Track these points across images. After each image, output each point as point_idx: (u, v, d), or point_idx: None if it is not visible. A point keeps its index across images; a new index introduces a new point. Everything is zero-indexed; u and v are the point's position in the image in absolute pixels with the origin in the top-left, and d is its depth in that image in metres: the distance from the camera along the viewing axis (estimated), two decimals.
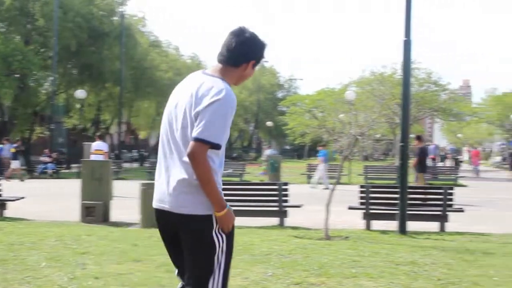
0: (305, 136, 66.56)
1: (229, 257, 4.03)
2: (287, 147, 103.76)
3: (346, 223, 14.28)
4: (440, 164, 60.75)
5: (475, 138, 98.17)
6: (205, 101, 3.87)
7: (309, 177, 32.37)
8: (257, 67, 4.33)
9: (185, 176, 3.93)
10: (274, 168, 30.20)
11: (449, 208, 13.41)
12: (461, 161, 59.74)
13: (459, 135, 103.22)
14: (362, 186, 14.22)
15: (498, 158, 68.28)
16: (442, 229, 13.29)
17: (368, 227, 13.42)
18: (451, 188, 13.79)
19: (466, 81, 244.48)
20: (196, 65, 68.59)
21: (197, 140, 3.80)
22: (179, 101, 4.09)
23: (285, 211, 14.01)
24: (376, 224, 13.49)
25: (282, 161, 33.99)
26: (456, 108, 57.64)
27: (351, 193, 21.54)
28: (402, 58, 13.12)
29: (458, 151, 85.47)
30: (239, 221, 13.98)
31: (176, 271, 4.24)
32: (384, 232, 12.84)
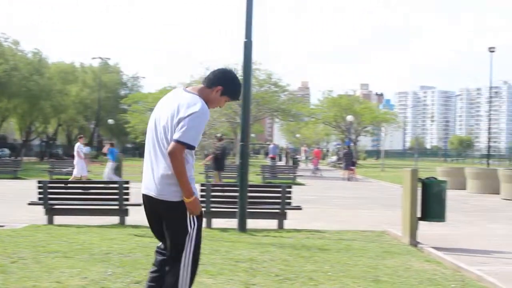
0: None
1: (199, 235, 5.23)
2: (129, 145, 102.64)
3: None
4: (280, 163, 62.30)
5: (312, 138, 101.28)
6: (185, 112, 5.02)
7: None
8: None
9: (168, 172, 5.07)
10: (115, 167, 29.78)
11: (287, 206, 13.73)
12: (299, 160, 61.37)
13: (298, 135, 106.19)
14: (203, 185, 14.34)
15: (334, 158, 70.81)
16: (280, 226, 13.64)
17: (207, 225, 13.55)
18: (290, 187, 14.15)
19: (305, 83, 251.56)
20: (37, 61, 66.37)
21: (177, 141, 4.96)
22: (163, 110, 5.25)
23: (126, 209, 13.90)
24: (216, 222, 13.65)
25: (123, 160, 33.61)
26: (294, 109, 59.24)
27: None
28: (243, 58, 13.35)
29: (296, 151, 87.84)
30: (78, 220, 13.72)
31: (160, 244, 5.47)
32: (224, 230, 13.01)
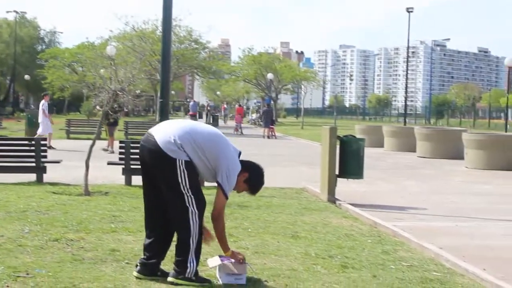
0: (65, 90, 65.00)
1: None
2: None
3: (106, 179, 14.23)
4: (201, 120, 62.15)
5: (233, 95, 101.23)
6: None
7: (69, 132, 31.72)
8: None
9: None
10: (32, 124, 29.16)
11: None
12: (218, 118, 61.38)
13: (218, 92, 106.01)
14: (121, 142, 14.18)
15: (254, 116, 71.04)
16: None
17: (128, 182, 13.45)
18: None
19: (225, 40, 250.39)
20: None
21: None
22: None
23: (44, 167, 13.66)
24: (136, 180, 13.53)
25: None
26: (215, 66, 59.07)
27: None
28: (162, 15, 13.16)
29: (216, 108, 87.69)
30: None
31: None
32: None
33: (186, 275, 5.83)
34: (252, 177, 6.17)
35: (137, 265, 6.14)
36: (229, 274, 6.01)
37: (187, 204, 5.84)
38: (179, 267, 5.86)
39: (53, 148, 22.96)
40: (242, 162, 6.12)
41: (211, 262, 6.28)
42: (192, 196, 5.85)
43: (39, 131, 24.73)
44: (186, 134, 5.85)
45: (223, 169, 5.88)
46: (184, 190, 5.82)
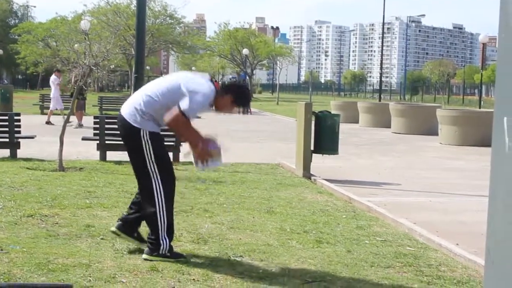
0: (38, 65, 64.43)
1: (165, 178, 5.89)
2: (19, 76, 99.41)
3: (80, 154, 14.16)
4: None
5: (208, 71, 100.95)
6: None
7: (43, 107, 31.47)
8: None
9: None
10: (5, 99, 28.89)
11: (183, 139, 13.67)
12: None
13: (193, 68, 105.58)
14: (96, 117, 14.10)
15: None
16: (175, 159, 13.58)
17: (102, 158, 13.40)
18: None
19: (201, 15, 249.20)
20: None
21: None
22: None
23: (18, 142, 13.53)
24: (111, 155, 13.50)
25: (13, 91, 32.59)
26: (190, 42, 58.79)
27: (86, 124, 21.36)
28: None
29: None
30: None
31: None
32: (118, 162, 12.87)
33: (160, 252, 5.85)
34: (237, 98, 6.07)
35: (118, 221, 6.24)
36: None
37: (153, 182, 5.86)
38: (153, 244, 5.88)
39: (52, 124, 22.98)
40: (224, 86, 6.15)
41: (186, 156, 6.28)
42: (157, 173, 5.86)
43: (51, 106, 25.04)
44: (147, 93, 5.91)
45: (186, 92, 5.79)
46: (150, 165, 5.84)
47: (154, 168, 5.85)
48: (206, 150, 5.95)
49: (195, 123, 5.87)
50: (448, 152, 18.59)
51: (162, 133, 6.02)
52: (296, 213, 8.47)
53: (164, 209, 5.87)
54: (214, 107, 6.07)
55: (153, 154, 5.83)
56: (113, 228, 6.19)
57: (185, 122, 5.72)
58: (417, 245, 7.02)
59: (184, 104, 5.69)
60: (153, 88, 5.94)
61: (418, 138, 22.98)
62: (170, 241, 5.90)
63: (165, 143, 6.37)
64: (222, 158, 6.13)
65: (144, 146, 5.81)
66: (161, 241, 5.85)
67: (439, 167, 14.82)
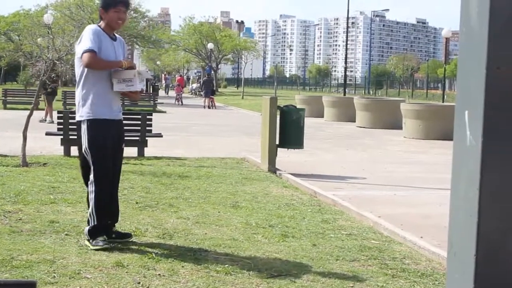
0: (1, 59, 63.60)
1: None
2: None
3: (44, 150, 14.03)
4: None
5: (173, 65, 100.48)
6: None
7: (5, 102, 31.09)
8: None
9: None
10: None
11: (148, 134, 13.65)
12: (159, 88, 60.86)
13: (158, 62, 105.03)
14: (60, 112, 13.97)
15: (194, 85, 70.67)
16: (141, 154, 13.53)
17: (67, 153, 13.28)
18: (150, 114, 14.07)
19: (165, 9, 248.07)
20: None
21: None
22: None
23: None
24: (75, 150, 13.37)
25: None
26: (155, 36, 58.46)
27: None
28: None
29: (156, 78, 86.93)
30: None
31: None
32: None
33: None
34: (105, 5, 6.27)
35: None
36: (120, 81, 6.20)
37: (91, 169, 6.17)
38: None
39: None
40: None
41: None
42: (92, 160, 6.14)
43: None
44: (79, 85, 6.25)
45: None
46: (86, 151, 6.18)
47: (90, 156, 6.17)
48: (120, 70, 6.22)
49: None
50: (412, 146, 18.77)
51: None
52: (261, 207, 8.49)
53: (94, 203, 6.17)
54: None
55: (88, 142, 6.16)
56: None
57: (95, 56, 6.00)
58: (381, 238, 7.08)
59: (79, 49, 6.11)
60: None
61: (382, 132, 23.16)
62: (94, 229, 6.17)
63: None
64: (136, 82, 6.23)
65: (82, 135, 6.23)
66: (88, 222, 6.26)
67: (404, 161, 14.96)
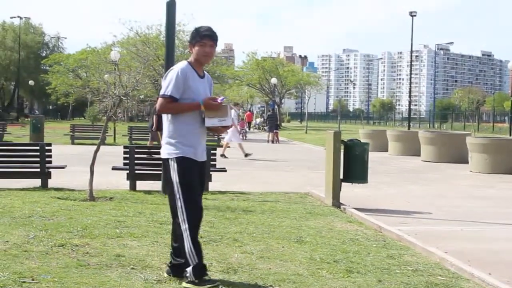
0: (69, 96, 65.20)
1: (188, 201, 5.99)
2: (50, 107, 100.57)
3: (110, 184, 14.24)
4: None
5: (236, 100, 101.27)
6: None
7: (73, 138, 31.77)
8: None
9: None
10: (36, 129, 29.24)
11: (212, 168, 13.72)
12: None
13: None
14: (126, 147, 14.20)
15: (258, 120, 71.01)
16: (205, 188, 13.57)
17: (132, 187, 13.46)
18: (214, 149, 14.16)
19: (229, 45, 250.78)
20: None
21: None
22: None
23: (49, 172, 13.66)
24: (141, 185, 13.57)
25: (44, 122, 33.00)
26: (219, 71, 59.08)
27: (116, 153, 21.48)
28: (166, 19, 13.16)
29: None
30: None
31: None
32: (148, 192, 12.95)
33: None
34: (192, 40, 6.20)
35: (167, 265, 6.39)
36: (210, 117, 6.08)
37: (178, 212, 6.04)
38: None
39: (226, 157, 23.04)
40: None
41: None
42: (184, 198, 6.00)
43: (226, 138, 24.82)
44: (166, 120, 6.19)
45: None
46: (175, 192, 6.04)
47: (180, 197, 6.04)
48: (212, 103, 6.07)
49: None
50: (479, 180, 18.42)
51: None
52: (326, 242, 8.42)
53: (190, 246, 5.98)
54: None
55: (179, 179, 6.06)
56: (165, 274, 6.31)
57: (169, 103, 5.99)
58: (448, 274, 6.95)
59: (162, 88, 6.11)
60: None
61: (448, 166, 22.81)
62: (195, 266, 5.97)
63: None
64: (229, 117, 6.18)
65: (171, 173, 6.12)
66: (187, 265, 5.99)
67: (470, 196, 14.69)
